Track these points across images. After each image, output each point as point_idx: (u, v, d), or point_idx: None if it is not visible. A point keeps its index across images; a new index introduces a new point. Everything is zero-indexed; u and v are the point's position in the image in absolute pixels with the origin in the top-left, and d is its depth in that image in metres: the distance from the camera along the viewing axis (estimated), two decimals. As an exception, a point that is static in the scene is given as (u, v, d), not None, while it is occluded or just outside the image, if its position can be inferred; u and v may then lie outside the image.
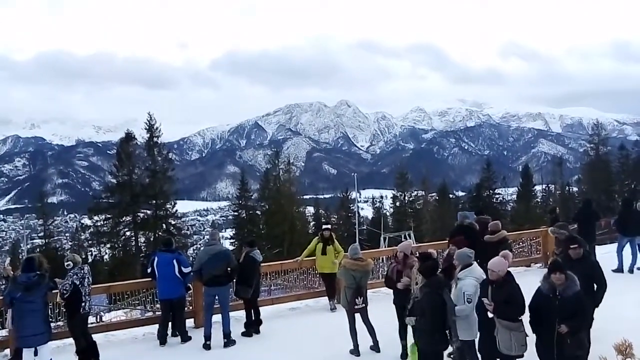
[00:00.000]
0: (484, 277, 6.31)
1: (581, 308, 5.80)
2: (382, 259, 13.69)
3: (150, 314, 10.68)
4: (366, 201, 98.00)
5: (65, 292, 7.61)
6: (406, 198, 53.03)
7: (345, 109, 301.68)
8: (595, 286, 6.79)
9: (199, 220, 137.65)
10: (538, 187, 57.26)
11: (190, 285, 9.13)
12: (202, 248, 10.25)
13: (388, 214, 59.46)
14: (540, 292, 5.91)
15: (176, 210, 38.74)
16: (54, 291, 7.62)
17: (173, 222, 38.34)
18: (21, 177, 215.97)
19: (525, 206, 49.93)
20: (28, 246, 44.86)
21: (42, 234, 46.32)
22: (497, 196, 52.48)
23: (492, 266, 6.05)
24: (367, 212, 74.42)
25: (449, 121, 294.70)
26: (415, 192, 53.56)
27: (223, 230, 71.22)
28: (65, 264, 7.85)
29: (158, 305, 9.73)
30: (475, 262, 6.65)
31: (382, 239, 40.30)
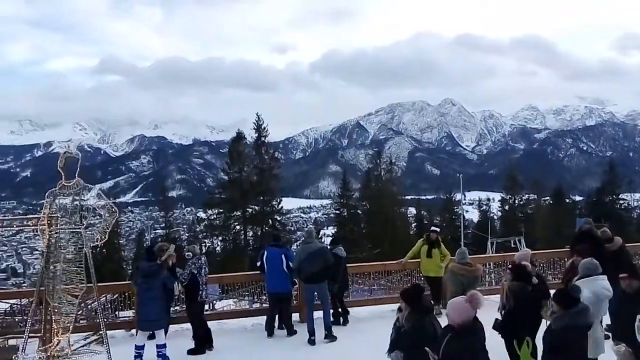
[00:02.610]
0: (606, 292, 5.71)
1: (564, 346, 4.91)
2: (490, 265, 13.04)
3: (257, 305, 11.17)
4: (471, 204, 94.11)
5: (183, 280, 8.25)
6: (516, 201, 50.02)
7: (449, 108, 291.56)
8: None
9: (302, 217, 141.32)
10: (672, 193, 50.98)
11: (296, 280, 9.36)
12: (299, 246, 10.46)
13: (495, 217, 56.50)
14: None
15: (281, 207, 40.27)
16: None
17: (279, 218, 39.94)
18: (146, 173, 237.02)
19: (656, 214, 44.73)
20: (151, 235, 49.43)
21: (163, 225, 50.35)
22: (621, 202, 47.61)
23: (449, 307, 4.84)
24: (473, 215, 71.26)
25: (565, 120, 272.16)
26: (527, 196, 50.25)
27: (325, 228, 72.64)
28: (186, 254, 8.52)
29: (264, 297, 10.17)
30: (596, 275, 6.03)
31: (489, 243, 38.58)
